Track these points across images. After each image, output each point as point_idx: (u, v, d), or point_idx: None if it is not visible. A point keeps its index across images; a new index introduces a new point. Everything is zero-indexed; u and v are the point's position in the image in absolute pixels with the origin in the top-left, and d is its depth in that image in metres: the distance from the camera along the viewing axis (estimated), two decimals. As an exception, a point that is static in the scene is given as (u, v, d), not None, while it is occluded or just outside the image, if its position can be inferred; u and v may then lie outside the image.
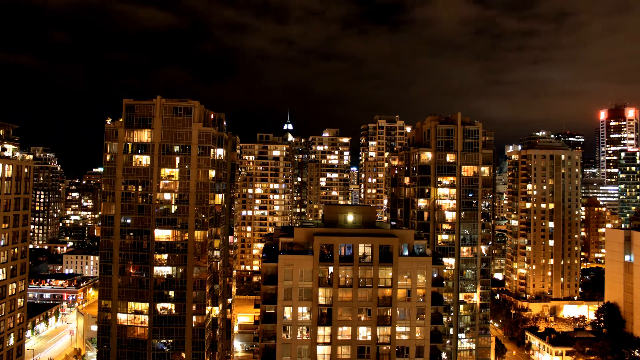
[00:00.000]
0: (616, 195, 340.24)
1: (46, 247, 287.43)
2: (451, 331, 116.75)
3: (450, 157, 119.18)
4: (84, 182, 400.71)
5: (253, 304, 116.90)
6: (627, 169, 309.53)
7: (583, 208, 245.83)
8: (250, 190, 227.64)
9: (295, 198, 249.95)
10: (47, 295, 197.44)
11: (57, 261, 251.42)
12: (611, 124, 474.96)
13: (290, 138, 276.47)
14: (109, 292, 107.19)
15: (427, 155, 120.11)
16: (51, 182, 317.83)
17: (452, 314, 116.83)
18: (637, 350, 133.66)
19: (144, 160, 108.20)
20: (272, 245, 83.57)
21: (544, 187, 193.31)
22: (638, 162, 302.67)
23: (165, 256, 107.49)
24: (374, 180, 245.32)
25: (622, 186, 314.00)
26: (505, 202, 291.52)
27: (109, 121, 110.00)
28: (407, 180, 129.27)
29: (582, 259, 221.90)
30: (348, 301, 75.31)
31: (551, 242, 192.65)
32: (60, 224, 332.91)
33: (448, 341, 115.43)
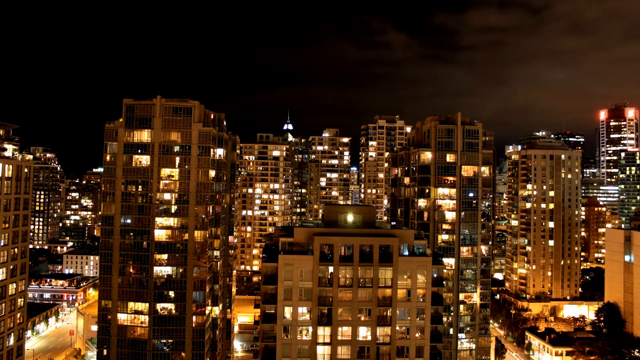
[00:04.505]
0: (616, 195, 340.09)
1: (46, 247, 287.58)
2: (451, 331, 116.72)
3: (450, 157, 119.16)
4: (84, 182, 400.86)
5: (253, 304, 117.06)
6: (627, 169, 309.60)
7: (583, 208, 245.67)
8: (250, 190, 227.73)
9: (295, 198, 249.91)
10: (47, 295, 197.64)
11: (57, 261, 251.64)
12: (611, 124, 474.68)
13: (290, 138, 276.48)
14: (109, 292, 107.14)
15: (427, 155, 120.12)
16: (51, 182, 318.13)
17: (452, 314, 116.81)
18: (637, 350, 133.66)
19: (144, 160, 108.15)
20: (272, 245, 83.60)
21: (544, 187, 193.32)
22: (638, 162, 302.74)
23: (165, 256, 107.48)
24: (374, 180, 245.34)
25: (622, 186, 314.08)
26: (505, 202, 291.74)
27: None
28: (407, 180, 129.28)
29: (582, 259, 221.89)
30: (348, 301, 75.34)
31: (551, 242, 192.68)
32: (60, 224, 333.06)
33: (448, 341, 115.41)
